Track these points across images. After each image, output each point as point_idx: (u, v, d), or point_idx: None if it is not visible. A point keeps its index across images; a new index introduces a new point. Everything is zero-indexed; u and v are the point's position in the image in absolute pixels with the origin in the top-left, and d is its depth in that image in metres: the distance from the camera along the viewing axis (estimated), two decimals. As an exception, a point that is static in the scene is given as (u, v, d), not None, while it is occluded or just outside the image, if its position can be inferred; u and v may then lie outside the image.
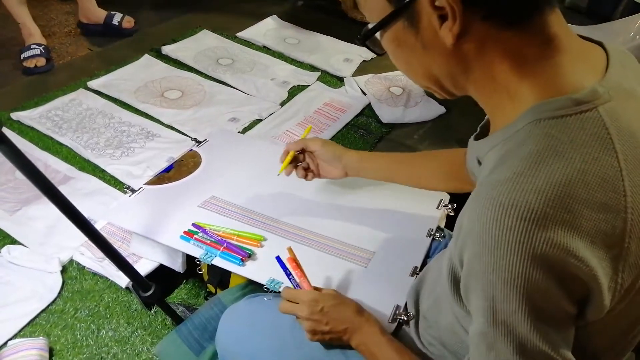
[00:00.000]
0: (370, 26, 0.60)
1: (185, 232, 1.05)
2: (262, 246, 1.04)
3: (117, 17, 2.38)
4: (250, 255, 1.01)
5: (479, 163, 0.64)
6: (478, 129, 0.74)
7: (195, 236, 1.04)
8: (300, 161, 1.10)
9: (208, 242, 1.03)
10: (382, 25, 0.58)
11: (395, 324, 0.89)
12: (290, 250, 0.91)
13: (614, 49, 0.59)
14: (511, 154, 0.54)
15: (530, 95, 0.55)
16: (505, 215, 0.49)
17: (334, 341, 0.85)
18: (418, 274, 0.97)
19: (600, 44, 0.60)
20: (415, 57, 0.60)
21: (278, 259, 0.90)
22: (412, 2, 0.54)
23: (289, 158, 1.07)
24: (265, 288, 0.96)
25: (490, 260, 0.51)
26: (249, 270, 0.99)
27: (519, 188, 0.50)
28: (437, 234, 1.09)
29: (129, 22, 2.39)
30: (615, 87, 0.54)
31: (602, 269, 0.50)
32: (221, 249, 1.01)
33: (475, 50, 0.56)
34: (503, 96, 0.58)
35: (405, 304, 0.90)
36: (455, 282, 0.63)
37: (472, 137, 0.72)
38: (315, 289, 0.90)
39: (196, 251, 1.02)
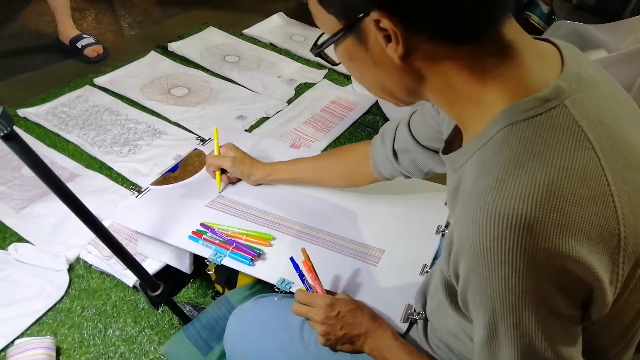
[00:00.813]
0: (322, 39, 0.59)
1: (193, 232, 1.04)
2: (271, 245, 1.03)
3: (83, 41, 2.18)
4: (259, 255, 1.00)
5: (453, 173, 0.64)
6: (443, 143, 0.73)
7: (204, 236, 1.03)
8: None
9: (217, 242, 1.02)
10: (333, 40, 0.58)
11: (408, 323, 0.88)
12: (304, 251, 0.90)
13: (563, 43, 0.59)
14: (489, 162, 0.53)
15: (497, 100, 0.54)
16: (493, 226, 0.48)
17: (345, 346, 0.84)
18: (428, 272, 0.96)
19: (548, 40, 0.60)
20: (367, 70, 0.60)
21: (292, 260, 0.89)
22: (359, 21, 0.54)
23: (218, 177, 1.17)
24: (276, 288, 0.95)
25: (485, 273, 0.50)
26: (259, 270, 0.98)
27: (503, 196, 0.48)
28: (446, 231, 1.08)
29: (94, 51, 2.17)
30: (575, 79, 0.54)
31: (601, 264, 0.49)
32: (230, 248, 1.00)
33: (428, 66, 0.55)
34: (467, 105, 0.57)
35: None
36: (451, 294, 0.62)
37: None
38: (328, 292, 0.89)
39: (205, 251, 1.01)
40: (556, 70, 0.55)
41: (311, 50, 0.61)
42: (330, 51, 0.61)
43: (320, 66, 2.21)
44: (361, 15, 0.53)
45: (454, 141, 0.72)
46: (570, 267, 0.48)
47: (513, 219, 0.47)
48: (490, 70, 0.54)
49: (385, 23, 0.51)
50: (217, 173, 1.17)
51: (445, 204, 1.16)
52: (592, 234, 0.48)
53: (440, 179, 1.09)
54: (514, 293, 0.49)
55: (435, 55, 0.54)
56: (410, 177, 0.98)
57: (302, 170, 1.14)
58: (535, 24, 2.55)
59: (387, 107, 1.94)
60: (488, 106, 0.55)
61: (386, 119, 1.91)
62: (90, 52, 2.16)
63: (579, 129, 0.51)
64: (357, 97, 2.02)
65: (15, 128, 0.71)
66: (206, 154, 1.29)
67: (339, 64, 0.64)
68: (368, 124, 1.90)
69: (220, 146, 1.17)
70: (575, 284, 0.50)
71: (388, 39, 0.53)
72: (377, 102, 1.99)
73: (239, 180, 1.19)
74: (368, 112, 1.96)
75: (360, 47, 0.57)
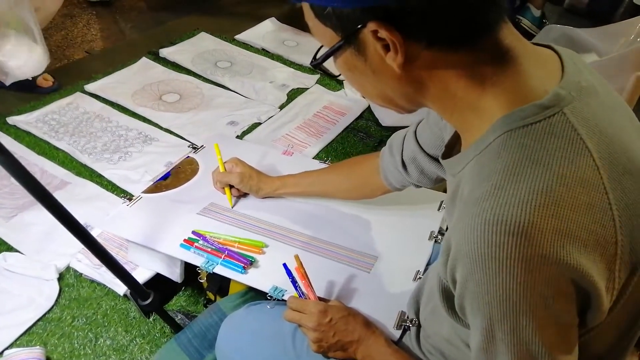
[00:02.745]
0: (321, 52, 0.60)
1: (185, 240, 1.03)
2: (263, 253, 1.03)
3: None
4: (252, 263, 0.99)
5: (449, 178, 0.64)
6: (444, 148, 0.73)
7: (196, 244, 1.02)
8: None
9: (209, 250, 1.01)
10: (331, 53, 0.58)
11: (401, 330, 0.87)
12: (297, 258, 0.89)
13: (563, 49, 0.59)
14: (487, 168, 0.53)
15: (496, 107, 0.54)
16: (491, 232, 0.48)
17: (338, 353, 0.84)
18: (421, 278, 0.96)
19: (549, 46, 0.60)
20: (367, 80, 0.60)
21: (285, 266, 0.89)
22: (357, 33, 0.54)
23: (228, 194, 1.15)
24: (269, 296, 0.94)
25: (482, 279, 0.50)
26: (251, 278, 0.98)
27: (501, 202, 0.48)
28: (439, 237, 1.08)
29: (45, 80, 2.01)
30: (575, 87, 0.54)
31: (598, 271, 0.49)
32: (222, 256, 0.99)
33: (427, 73, 0.56)
34: (466, 112, 0.57)
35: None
36: (447, 299, 0.62)
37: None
38: (321, 299, 0.89)
39: (197, 259, 1.00)
40: (556, 77, 0.55)
41: (311, 63, 0.62)
42: (328, 63, 0.61)
43: (312, 71, 2.20)
44: (359, 26, 0.53)
45: (454, 146, 0.72)
46: (568, 274, 0.48)
47: (511, 225, 0.47)
48: (488, 77, 0.54)
49: (383, 33, 0.51)
50: (227, 189, 1.15)
51: (438, 210, 1.15)
52: (589, 242, 0.48)
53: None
54: (512, 299, 0.49)
55: (434, 63, 0.54)
56: (420, 187, 0.97)
57: (311, 184, 1.12)
58: (527, 28, 2.56)
59: (380, 112, 1.94)
60: (486, 113, 0.55)
61: (378, 124, 1.91)
62: (43, 82, 2.01)
63: (578, 137, 0.51)
64: (350, 102, 2.02)
65: (5, 137, 0.70)
66: (198, 161, 1.29)
67: (339, 75, 0.64)
68: (360, 129, 1.90)
69: (225, 162, 1.15)
70: (572, 291, 0.49)
71: (387, 48, 0.53)
72: (369, 107, 1.99)
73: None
74: (360, 116, 1.96)
75: (359, 57, 0.57)
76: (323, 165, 1.30)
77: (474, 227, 0.49)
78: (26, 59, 1.80)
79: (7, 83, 1.84)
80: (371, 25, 0.51)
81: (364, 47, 0.55)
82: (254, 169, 1.15)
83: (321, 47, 0.61)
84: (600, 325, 0.55)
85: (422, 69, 0.55)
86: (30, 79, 1.99)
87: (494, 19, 0.53)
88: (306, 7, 0.58)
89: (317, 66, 0.61)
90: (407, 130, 0.93)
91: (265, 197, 1.16)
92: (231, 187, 1.15)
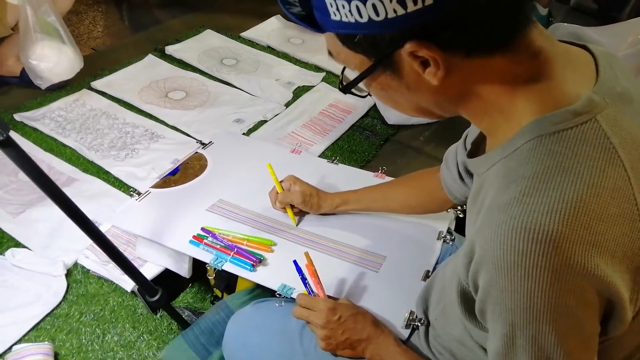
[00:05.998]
0: (350, 76, 0.59)
1: (194, 236, 1.04)
2: (272, 251, 1.03)
3: None
4: (261, 261, 1.00)
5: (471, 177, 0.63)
6: (470, 145, 0.73)
7: (205, 241, 1.02)
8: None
9: (218, 247, 1.01)
10: (364, 77, 0.57)
11: (410, 329, 0.88)
12: (307, 255, 0.90)
13: (600, 51, 0.58)
14: (515, 173, 0.52)
15: (526, 111, 0.54)
16: (519, 240, 0.48)
17: (346, 352, 0.84)
18: (430, 278, 0.96)
19: (584, 46, 0.59)
20: (401, 96, 0.60)
21: (295, 263, 0.89)
22: (392, 54, 0.53)
23: (290, 213, 1.11)
24: (278, 294, 0.94)
25: (507, 286, 0.50)
26: (260, 276, 0.98)
27: (530, 209, 0.48)
28: (448, 237, 1.08)
29: None
30: (609, 93, 0.53)
31: (623, 283, 0.49)
32: (231, 254, 0.99)
33: (462, 82, 0.55)
34: (496, 116, 0.57)
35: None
36: (465, 302, 0.62)
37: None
38: (330, 297, 0.89)
39: (206, 256, 1.01)
40: (590, 81, 0.54)
41: (339, 89, 0.61)
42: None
43: (318, 69, 2.20)
44: (394, 49, 0.52)
45: (480, 145, 0.72)
46: (594, 285, 0.48)
47: (540, 233, 0.47)
48: (521, 81, 0.54)
49: (422, 51, 0.51)
50: (289, 209, 1.11)
51: (447, 210, 1.15)
52: (616, 253, 0.48)
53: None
54: (536, 307, 0.49)
55: (470, 71, 0.54)
56: None
57: (374, 201, 1.09)
58: (533, 27, 2.55)
59: (385, 111, 1.93)
60: (515, 116, 0.55)
61: (384, 122, 1.91)
62: None
63: (611, 146, 0.50)
64: (355, 100, 2.01)
65: (12, 133, 0.71)
66: (207, 157, 1.29)
67: (367, 95, 0.63)
68: (366, 127, 1.90)
69: (281, 180, 1.12)
70: (597, 301, 0.49)
71: (424, 64, 0.53)
72: (374, 105, 1.98)
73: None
74: (366, 115, 1.96)
75: (394, 76, 0.56)
76: (331, 165, 1.30)
77: (500, 233, 0.49)
78: (56, 61, 1.83)
79: (44, 87, 1.87)
80: (409, 47, 0.51)
81: (399, 67, 0.54)
82: (312, 186, 1.11)
83: (344, 68, 0.60)
84: (618, 335, 0.54)
85: (459, 78, 0.54)
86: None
87: (524, 20, 0.52)
88: (329, 36, 0.56)
89: (345, 90, 0.61)
90: (459, 142, 0.92)
91: (323, 214, 1.13)
92: (291, 205, 1.12)
